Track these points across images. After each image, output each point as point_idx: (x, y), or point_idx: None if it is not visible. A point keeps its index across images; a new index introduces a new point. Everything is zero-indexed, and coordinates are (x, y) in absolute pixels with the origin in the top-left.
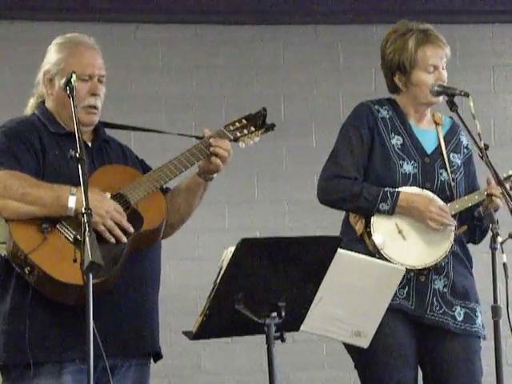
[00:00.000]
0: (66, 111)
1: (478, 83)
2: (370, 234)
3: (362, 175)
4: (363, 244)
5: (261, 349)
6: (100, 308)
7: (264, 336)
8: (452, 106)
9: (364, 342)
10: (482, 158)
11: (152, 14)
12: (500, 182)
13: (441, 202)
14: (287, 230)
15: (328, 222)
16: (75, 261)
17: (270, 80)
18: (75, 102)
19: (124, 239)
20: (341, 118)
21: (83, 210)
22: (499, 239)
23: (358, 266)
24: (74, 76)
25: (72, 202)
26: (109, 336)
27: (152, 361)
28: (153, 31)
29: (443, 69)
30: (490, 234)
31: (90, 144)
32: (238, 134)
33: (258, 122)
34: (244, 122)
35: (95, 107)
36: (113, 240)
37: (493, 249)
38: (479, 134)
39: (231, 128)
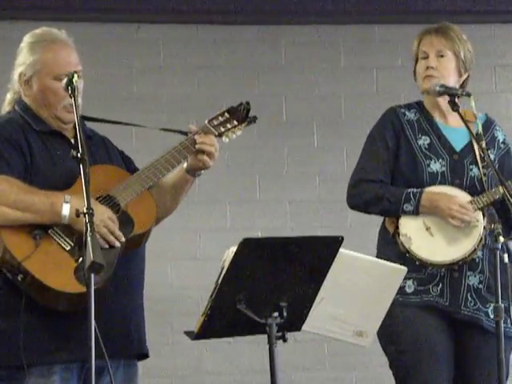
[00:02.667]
0: (47, 111)
1: (479, 83)
2: (399, 234)
3: (388, 178)
4: (395, 245)
5: (262, 349)
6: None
7: (266, 336)
8: (454, 105)
9: (366, 342)
10: (483, 157)
11: (153, 14)
12: (502, 182)
13: (463, 199)
14: (289, 230)
15: (330, 222)
16: (78, 269)
17: (272, 80)
18: (76, 102)
19: (117, 243)
20: (342, 118)
21: (85, 210)
22: (501, 239)
23: (360, 266)
24: (75, 76)
25: (66, 210)
26: (96, 337)
27: (148, 360)
28: (154, 31)
29: (441, 56)
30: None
31: (72, 141)
32: (222, 129)
33: (241, 115)
34: (226, 115)
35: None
36: (106, 245)
37: (495, 249)
38: (481, 134)
39: (215, 123)
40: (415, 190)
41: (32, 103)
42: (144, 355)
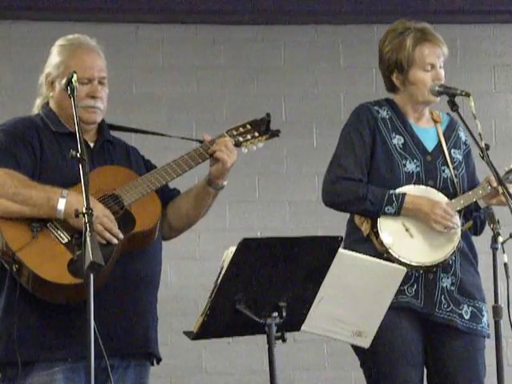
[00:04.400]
0: (66, 112)
1: (478, 83)
2: (377, 234)
3: (366, 176)
4: (370, 244)
5: (262, 349)
6: (93, 308)
7: (265, 336)
8: (453, 105)
9: (365, 342)
10: (482, 157)
11: (153, 14)
12: (501, 182)
13: (445, 204)
14: (288, 230)
15: (329, 223)
16: (72, 261)
17: (271, 80)
18: (75, 102)
19: (114, 240)
20: (341, 118)
21: (84, 210)
22: (500, 239)
23: (359, 266)
24: (74, 76)
25: (62, 205)
26: (102, 336)
27: (154, 362)
28: (153, 31)
29: (441, 67)
30: (491, 233)
31: (91, 144)
32: (241, 139)
33: (262, 127)
34: (248, 127)
35: (94, 107)
36: (103, 241)
37: (494, 249)
38: (480, 134)
39: (234, 133)
40: (397, 192)
41: (55, 104)
42: (155, 356)
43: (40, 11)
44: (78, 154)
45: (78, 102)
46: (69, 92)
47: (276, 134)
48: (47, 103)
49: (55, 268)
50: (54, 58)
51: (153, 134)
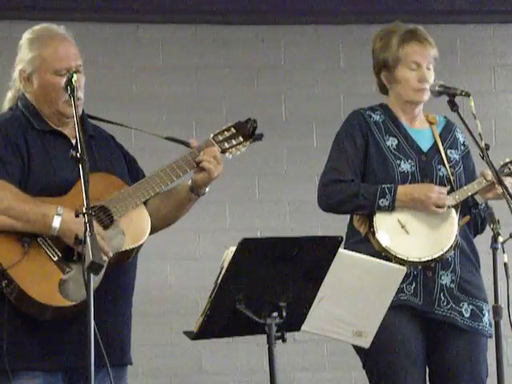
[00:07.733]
0: (49, 107)
1: (479, 83)
2: (373, 234)
3: (358, 177)
4: (368, 244)
5: (262, 349)
6: (72, 320)
7: (265, 336)
8: (453, 106)
9: (365, 342)
10: (482, 157)
11: (152, 14)
12: (501, 182)
13: (438, 187)
14: (288, 230)
15: (329, 223)
16: (63, 282)
17: (271, 80)
18: (75, 102)
19: (104, 258)
20: (342, 119)
21: (84, 210)
22: (500, 239)
23: (359, 266)
24: (74, 76)
25: (57, 222)
26: (81, 348)
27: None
28: (153, 31)
29: (429, 69)
30: (491, 233)
31: (73, 141)
32: (227, 145)
33: (247, 131)
34: (233, 130)
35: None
36: None
37: (494, 249)
38: (480, 134)
39: (220, 138)
40: (389, 186)
41: (33, 100)
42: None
43: (40, 11)
44: (78, 154)
45: (58, 96)
46: (69, 92)
47: (259, 137)
48: (24, 96)
49: (46, 288)
50: (26, 52)
51: (133, 129)
